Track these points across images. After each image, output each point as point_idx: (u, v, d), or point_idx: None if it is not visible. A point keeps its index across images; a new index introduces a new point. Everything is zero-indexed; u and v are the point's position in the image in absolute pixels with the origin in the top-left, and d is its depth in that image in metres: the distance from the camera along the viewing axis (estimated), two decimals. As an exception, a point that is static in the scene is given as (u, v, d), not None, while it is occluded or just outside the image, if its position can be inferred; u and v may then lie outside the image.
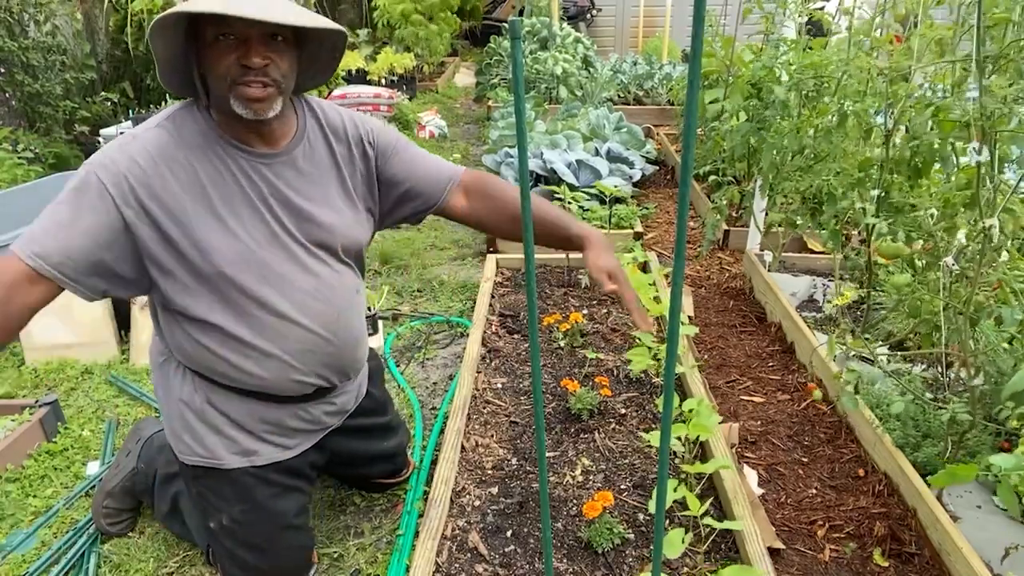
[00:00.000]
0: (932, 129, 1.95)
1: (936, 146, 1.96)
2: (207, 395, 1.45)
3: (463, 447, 1.99)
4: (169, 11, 1.19)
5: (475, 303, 2.85)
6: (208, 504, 1.51)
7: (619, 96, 6.52)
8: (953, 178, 2.01)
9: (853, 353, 2.30)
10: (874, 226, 2.23)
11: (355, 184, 1.53)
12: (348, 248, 1.51)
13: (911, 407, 1.94)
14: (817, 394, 2.27)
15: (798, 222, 2.78)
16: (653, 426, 2.07)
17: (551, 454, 1.96)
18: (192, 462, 1.48)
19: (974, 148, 1.63)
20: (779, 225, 3.02)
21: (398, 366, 2.66)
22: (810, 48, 2.87)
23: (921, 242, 2.14)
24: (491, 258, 3.23)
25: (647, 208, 4.21)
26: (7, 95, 4.65)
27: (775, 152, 2.74)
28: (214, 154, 1.33)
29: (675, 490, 1.49)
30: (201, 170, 1.31)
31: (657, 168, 4.90)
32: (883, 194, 2.26)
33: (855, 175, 2.36)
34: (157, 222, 1.27)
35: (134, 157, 1.26)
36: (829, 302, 2.84)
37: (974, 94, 1.68)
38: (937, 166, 2.11)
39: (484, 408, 2.18)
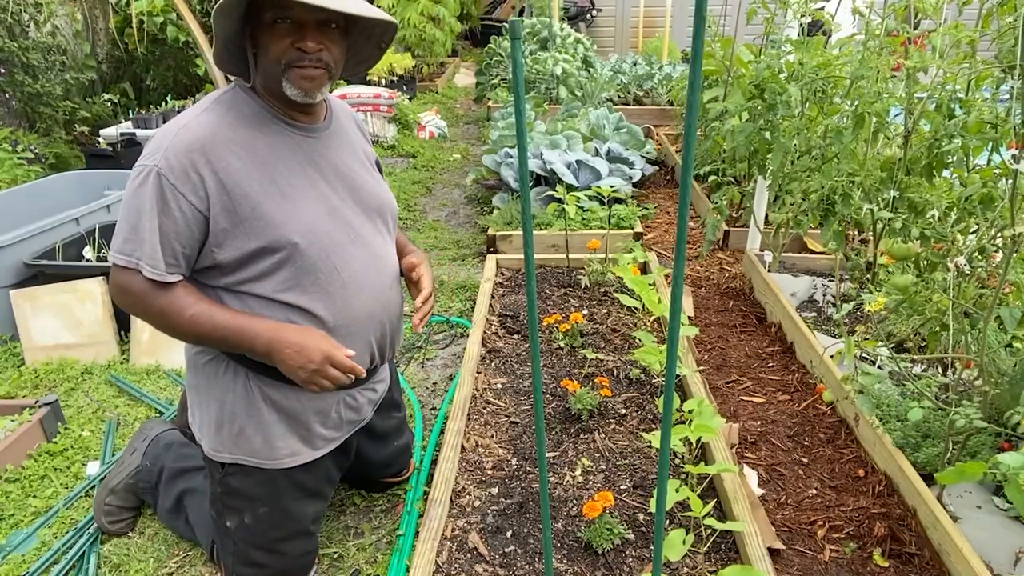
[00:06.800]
0: (959, 129, 1.96)
1: (971, 147, 1.97)
2: (262, 390, 1.45)
3: (463, 447, 1.99)
4: None
5: (475, 303, 2.85)
6: (231, 502, 1.51)
7: (619, 96, 6.52)
8: (966, 179, 2.02)
9: (857, 354, 2.30)
10: (884, 227, 2.23)
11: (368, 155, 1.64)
12: (389, 214, 1.60)
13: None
14: (828, 395, 2.27)
15: (801, 221, 2.78)
16: (653, 426, 2.06)
17: (551, 454, 1.96)
18: (228, 460, 1.48)
19: (1013, 156, 1.62)
20: (783, 226, 3.02)
21: (398, 366, 2.66)
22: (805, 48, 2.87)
23: (932, 242, 2.14)
24: (491, 258, 3.23)
25: (647, 208, 4.21)
26: (7, 95, 4.65)
27: (783, 153, 2.74)
28: (269, 131, 1.38)
29: (677, 491, 1.48)
30: (259, 147, 1.36)
31: (657, 168, 4.91)
32: (899, 194, 2.26)
33: (876, 175, 2.36)
34: (226, 204, 1.31)
35: (192, 148, 1.29)
36: (832, 305, 2.84)
37: (1004, 97, 1.69)
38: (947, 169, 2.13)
39: (484, 408, 2.18)
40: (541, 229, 3.60)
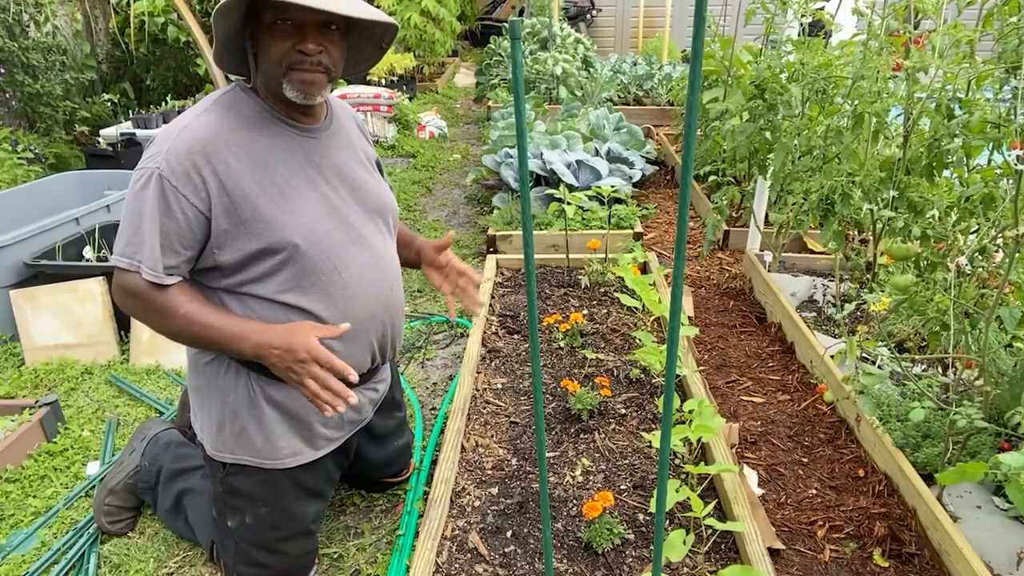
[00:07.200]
0: (961, 128, 1.96)
1: (972, 146, 1.97)
2: (264, 390, 1.45)
3: (463, 447, 1.99)
4: None
5: (475, 303, 2.84)
6: (232, 502, 1.51)
7: (619, 96, 6.52)
8: (967, 178, 2.02)
9: (857, 354, 2.30)
10: (884, 227, 2.23)
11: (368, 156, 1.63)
12: (390, 214, 1.59)
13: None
14: (828, 396, 2.27)
15: (802, 221, 2.78)
16: (653, 426, 2.06)
17: (551, 454, 1.96)
18: (230, 460, 1.48)
19: (1017, 156, 1.62)
20: (783, 226, 3.02)
21: (399, 366, 2.66)
22: (807, 48, 2.87)
23: (932, 242, 2.15)
24: (491, 258, 3.23)
25: (647, 208, 4.21)
26: (7, 95, 4.64)
27: (785, 153, 2.74)
28: (268, 132, 1.38)
29: (677, 491, 1.48)
30: (259, 149, 1.35)
31: (657, 168, 4.91)
32: (899, 194, 2.26)
33: (876, 175, 2.36)
34: (227, 206, 1.31)
35: (193, 149, 1.28)
36: (832, 305, 2.83)
37: (1006, 97, 1.69)
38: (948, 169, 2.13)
39: (484, 408, 2.18)
40: (541, 229, 3.60)
